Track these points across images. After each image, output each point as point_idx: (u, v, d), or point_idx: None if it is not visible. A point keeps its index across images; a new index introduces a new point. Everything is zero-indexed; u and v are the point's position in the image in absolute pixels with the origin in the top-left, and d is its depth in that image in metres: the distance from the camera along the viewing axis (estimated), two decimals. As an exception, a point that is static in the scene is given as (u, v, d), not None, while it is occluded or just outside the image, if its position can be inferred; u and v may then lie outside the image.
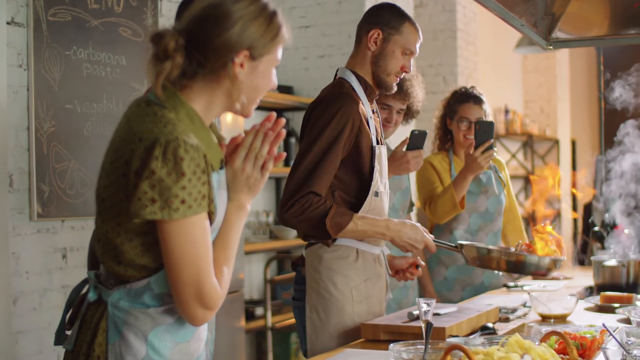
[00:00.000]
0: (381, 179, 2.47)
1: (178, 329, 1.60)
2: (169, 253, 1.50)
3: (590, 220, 5.08)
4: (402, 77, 2.55)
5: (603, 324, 1.96)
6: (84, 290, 1.70)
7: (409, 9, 5.29)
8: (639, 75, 3.45)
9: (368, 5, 4.91)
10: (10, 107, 3.16)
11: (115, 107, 3.61)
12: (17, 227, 3.19)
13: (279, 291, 5.13)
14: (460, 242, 2.68)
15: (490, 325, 2.36)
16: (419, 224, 2.44)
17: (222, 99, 1.61)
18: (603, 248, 3.61)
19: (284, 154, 1.72)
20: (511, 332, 2.32)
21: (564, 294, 2.81)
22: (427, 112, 4.91)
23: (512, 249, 2.64)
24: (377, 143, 2.46)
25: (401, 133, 3.64)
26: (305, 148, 2.35)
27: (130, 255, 1.55)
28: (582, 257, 5.07)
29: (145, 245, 1.54)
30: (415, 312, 2.30)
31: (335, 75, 2.55)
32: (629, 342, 1.90)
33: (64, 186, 3.36)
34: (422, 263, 2.58)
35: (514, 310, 2.67)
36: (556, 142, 9.57)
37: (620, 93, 3.47)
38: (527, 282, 3.41)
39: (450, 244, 2.63)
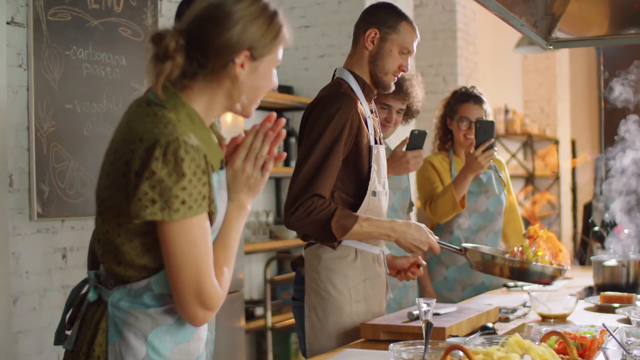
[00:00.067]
0: (379, 179, 2.47)
1: (178, 329, 1.60)
2: (169, 254, 1.50)
3: (590, 220, 5.08)
4: (400, 76, 2.55)
5: (603, 324, 1.96)
6: (84, 290, 1.70)
7: (408, 9, 5.28)
8: (639, 73, 3.45)
9: (367, 5, 4.91)
10: (10, 107, 3.16)
11: (115, 107, 3.61)
12: (17, 227, 3.19)
13: (279, 291, 5.13)
14: (464, 245, 2.66)
15: (490, 325, 2.36)
16: (423, 225, 2.44)
17: (222, 100, 1.61)
18: (603, 248, 3.60)
19: (284, 154, 1.72)
20: (511, 332, 2.32)
21: (564, 294, 2.80)
22: (427, 112, 4.91)
23: (507, 256, 2.62)
24: (375, 143, 2.47)
25: (401, 133, 3.64)
26: (307, 150, 2.35)
27: (131, 256, 1.55)
28: (583, 254, 5.08)
29: (145, 245, 1.54)
30: (415, 312, 2.30)
31: (334, 75, 2.55)
32: (629, 342, 1.90)
33: (64, 186, 3.36)
34: (424, 263, 2.58)
35: (514, 310, 2.67)
36: (556, 142, 9.57)
37: (620, 92, 3.46)
38: (527, 283, 3.40)
39: (454, 246, 2.60)
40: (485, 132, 3.20)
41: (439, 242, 2.47)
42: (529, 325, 2.22)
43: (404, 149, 2.88)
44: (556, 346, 1.83)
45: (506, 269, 2.57)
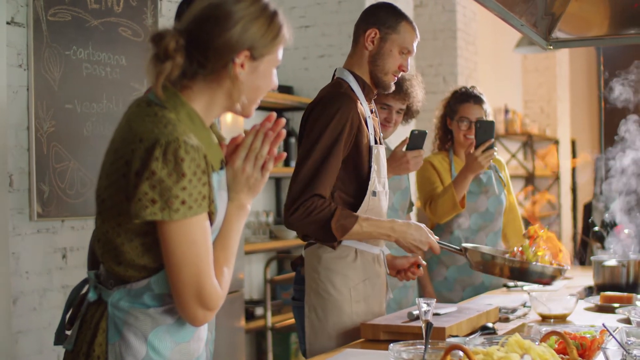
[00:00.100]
0: (379, 179, 2.47)
1: (178, 329, 1.60)
2: (169, 254, 1.50)
3: (590, 220, 5.08)
4: (400, 76, 2.54)
5: (603, 324, 1.96)
6: (84, 290, 1.70)
7: (408, 9, 5.28)
8: (639, 73, 3.45)
9: (367, 5, 4.91)
10: (10, 107, 3.16)
11: (115, 107, 3.61)
12: (17, 227, 3.19)
13: (279, 291, 5.13)
14: (464, 245, 2.66)
15: (490, 325, 2.36)
16: (423, 225, 2.44)
17: (222, 100, 1.61)
18: (603, 248, 3.60)
19: (284, 154, 1.72)
20: (511, 332, 2.32)
21: (564, 294, 2.80)
22: (427, 112, 4.91)
23: (507, 256, 2.62)
24: (375, 143, 2.47)
25: (401, 133, 3.64)
26: (307, 150, 2.35)
27: (131, 256, 1.55)
28: (583, 254, 5.07)
29: (145, 245, 1.54)
30: (415, 312, 2.30)
31: (334, 75, 2.55)
32: (629, 342, 1.90)
33: (64, 186, 3.36)
34: (424, 263, 2.58)
35: (514, 310, 2.67)
36: (556, 142, 9.57)
37: (620, 92, 3.46)
38: (527, 283, 3.40)
39: (454, 246, 2.60)
40: (485, 132, 3.20)
41: (439, 242, 2.47)
42: (529, 325, 2.22)
43: (404, 149, 2.88)
44: (556, 346, 1.83)
45: (506, 269, 2.57)
